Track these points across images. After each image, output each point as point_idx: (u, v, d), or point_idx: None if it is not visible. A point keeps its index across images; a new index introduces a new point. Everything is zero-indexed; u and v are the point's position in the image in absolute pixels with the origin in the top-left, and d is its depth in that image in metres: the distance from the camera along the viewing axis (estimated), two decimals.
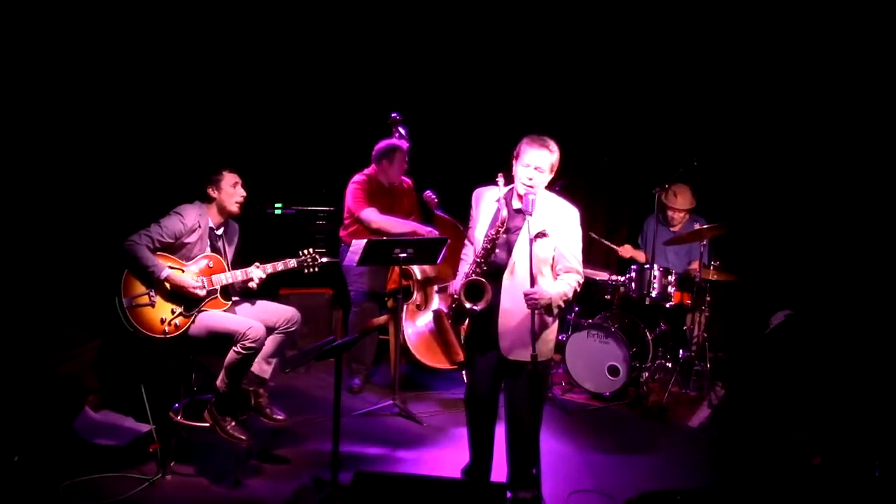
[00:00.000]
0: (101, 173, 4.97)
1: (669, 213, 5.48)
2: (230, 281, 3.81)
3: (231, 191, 3.83)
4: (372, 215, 4.82)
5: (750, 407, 4.90)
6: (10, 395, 3.88)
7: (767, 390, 4.93)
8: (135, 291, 3.63)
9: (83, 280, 4.57)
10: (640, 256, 5.56)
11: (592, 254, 5.78)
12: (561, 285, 3.33)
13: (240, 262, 3.95)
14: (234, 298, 3.89)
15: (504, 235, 3.34)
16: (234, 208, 3.85)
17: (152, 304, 3.65)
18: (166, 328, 3.65)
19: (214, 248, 3.86)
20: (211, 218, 3.84)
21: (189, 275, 3.72)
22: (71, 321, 4.53)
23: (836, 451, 4.09)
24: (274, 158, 6.06)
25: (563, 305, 3.34)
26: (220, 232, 3.90)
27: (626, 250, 5.63)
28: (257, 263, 3.86)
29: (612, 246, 5.70)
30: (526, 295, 3.18)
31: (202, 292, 3.70)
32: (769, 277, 5.62)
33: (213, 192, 3.81)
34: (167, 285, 3.65)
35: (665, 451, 4.36)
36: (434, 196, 5.13)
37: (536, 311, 3.20)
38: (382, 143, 4.97)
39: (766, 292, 5.55)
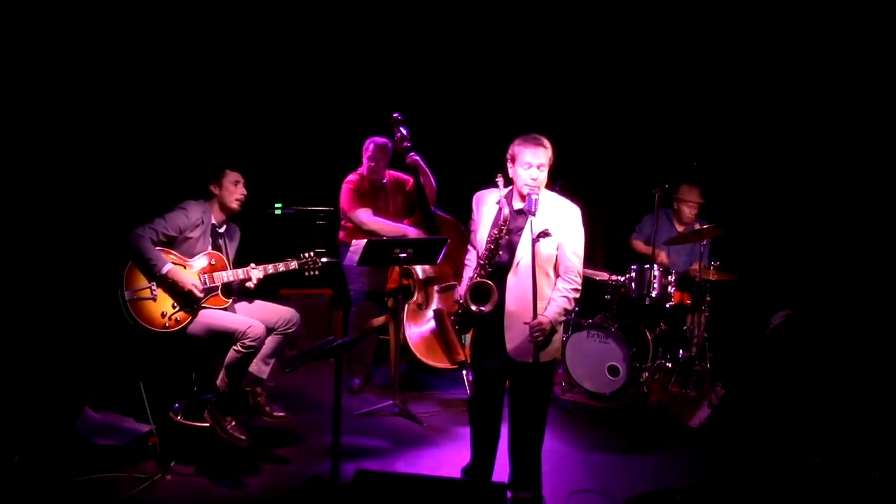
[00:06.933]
0: (108, 172, 4.97)
1: (681, 206, 5.48)
2: (231, 279, 3.87)
3: (232, 188, 3.93)
4: (363, 217, 4.83)
5: (750, 407, 4.89)
6: (10, 395, 3.88)
7: (767, 390, 4.92)
8: (137, 285, 3.68)
9: (83, 279, 4.56)
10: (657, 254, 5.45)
11: (594, 253, 5.79)
12: (552, 306, 3.30)
13: (241, 262, 4.00)
14: (233, 297, 3.92)
15: (507, 236, 3.34)
16: (235, 205, 3.94)
17: (154, 298, 3.69)
18: (167, 322, 3.70)
19: (216, 246, 3.93)
20: (213, 215, 3.93)
21: (190, 273, 3.77)
22: (71, 321, 4.53)
23: (836, 451, 4.09)
24: (274, 158, 6.06)
25: (563, 319, 3.38)
26: (221, 230, 3.98)
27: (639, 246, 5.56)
28: (253, 264, 3.92)
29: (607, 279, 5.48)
30: (531, 330, 3.18)
31: (200, 294, 3.74)
32: (769, 277, 5.63)
33: (214, 189, 3.92)
34: (168, 280, 3.68)
35: (665, 451, 4.36)
36: (418, 157, 4.88)
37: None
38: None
39: (766, 292, 5.55)
